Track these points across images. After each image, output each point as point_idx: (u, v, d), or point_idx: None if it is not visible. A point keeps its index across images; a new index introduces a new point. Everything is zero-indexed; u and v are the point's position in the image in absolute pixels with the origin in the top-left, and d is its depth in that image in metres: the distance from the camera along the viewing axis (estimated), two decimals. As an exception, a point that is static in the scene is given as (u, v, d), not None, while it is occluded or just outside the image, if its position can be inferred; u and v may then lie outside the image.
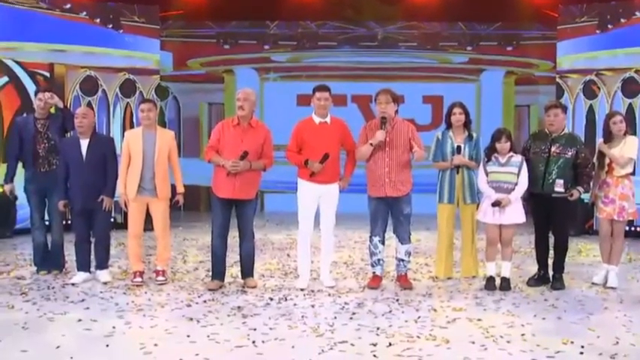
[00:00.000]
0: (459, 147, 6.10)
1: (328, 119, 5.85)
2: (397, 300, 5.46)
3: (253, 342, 4.32)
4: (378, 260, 5.93)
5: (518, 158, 5.82)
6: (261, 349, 4.20)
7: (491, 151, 5.84)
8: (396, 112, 5.84)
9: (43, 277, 6.22)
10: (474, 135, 6.23)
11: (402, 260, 5.94)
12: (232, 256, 6.28)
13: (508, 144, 5.77)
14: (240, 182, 5.70)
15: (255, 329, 4.59)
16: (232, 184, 5.70)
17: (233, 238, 5.99)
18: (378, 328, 4.63)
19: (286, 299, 5.48)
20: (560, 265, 5.96)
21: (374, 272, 5.98)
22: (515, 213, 5.78)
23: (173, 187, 6.09)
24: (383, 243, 5.92)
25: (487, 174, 5.84)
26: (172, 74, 11.64)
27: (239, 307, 5.17)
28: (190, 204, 8.13)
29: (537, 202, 5.93)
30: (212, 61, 11.81)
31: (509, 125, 10.51)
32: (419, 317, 4.93)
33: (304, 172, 5.81)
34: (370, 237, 5.92)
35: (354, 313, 5.03)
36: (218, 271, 5.88)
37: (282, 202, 10.67)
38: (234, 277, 6.18)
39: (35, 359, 4.05)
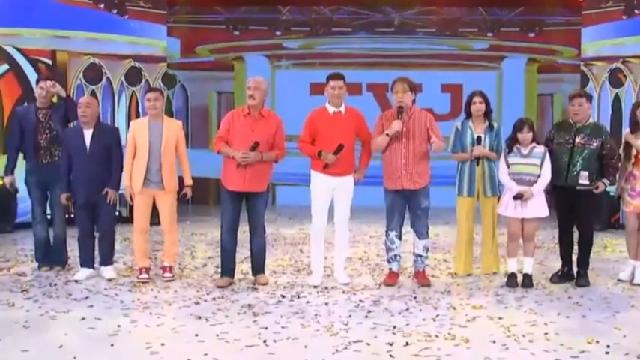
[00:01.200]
0: (479, 137, 6.03)
1: (342, 109, 5.79)
2: (415, 297, 5.41)
3: (264, 341, 4.27)
4: (395, 256, 5.87)
5: (540, 149, 5.75)
6: (272, 348, 4.15)
7: (512, 141, 5.78)
8: (414, 101, 5.78)
9: (45, 274, 6.17)
10: (495, 125, 6.15)
11: (420, 256, 5.88)
12: (242, 252, 6.24)
13: (530, 134, 5.70)
14: (251, 174, 5.64)
15: (266, 328, 4.54)
16: (242, 177, 5.64)
17: (243, 232, 5.95)
18: (394, 327, 4.57)
19: (299, 296, 5.43)
20: (584, 261, 5.89)
21: (390, 268, 5.93)
22: (538, 206, 5.71)
23: (181, 180, 6.04)
24: (400, 238, 5.86)
25: (508, 166, 5.78)
26: (180, 62, 11.52)
27: (249, 305, 5.14)
28: (199, 197, 8.09)
29: (561, 195, 5.87)
30: (221, 48, 11.72)
31: (531, 115, 10.37)
32: (437, 315, 4.88)
33: (318, 164, 5.75)
34: (386, 232, 5.87)
35: (369, 311, 4.98)
36: (227, 268, 5.84)
37: (294, 195, 10.49)
38: (244, 273, 6.13)
39: (37, 359, 3.99)
